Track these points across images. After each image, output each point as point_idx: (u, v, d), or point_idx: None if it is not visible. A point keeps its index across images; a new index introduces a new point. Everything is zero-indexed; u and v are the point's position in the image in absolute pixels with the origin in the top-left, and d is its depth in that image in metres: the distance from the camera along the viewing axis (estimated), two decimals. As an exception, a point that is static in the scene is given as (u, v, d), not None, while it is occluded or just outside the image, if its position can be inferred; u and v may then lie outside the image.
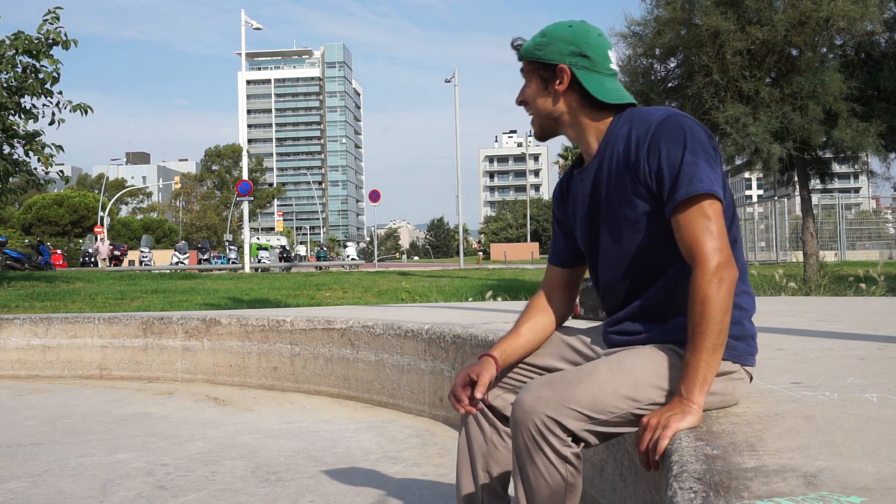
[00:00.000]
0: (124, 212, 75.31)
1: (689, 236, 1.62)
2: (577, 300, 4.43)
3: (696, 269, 1.60)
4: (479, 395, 1.77)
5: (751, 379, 1.80)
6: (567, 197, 1.92)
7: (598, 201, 1.79)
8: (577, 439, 1.62)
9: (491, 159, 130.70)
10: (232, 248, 33.85)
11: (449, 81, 36.16)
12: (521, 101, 1.86)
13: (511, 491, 1.76)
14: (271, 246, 37.78)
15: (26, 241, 38.59)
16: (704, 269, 1.58)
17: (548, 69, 1.79)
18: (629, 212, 1.72)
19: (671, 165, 1.64)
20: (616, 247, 1.78)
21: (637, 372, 1.65)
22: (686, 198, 1.62)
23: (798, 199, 10.84)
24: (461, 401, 1.80)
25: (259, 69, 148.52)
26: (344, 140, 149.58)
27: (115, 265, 32.50)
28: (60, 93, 11.68)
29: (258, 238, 43.15)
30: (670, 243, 1.68)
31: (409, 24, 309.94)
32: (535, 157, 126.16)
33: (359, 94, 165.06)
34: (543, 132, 1.86)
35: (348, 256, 37.03)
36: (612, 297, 1.84)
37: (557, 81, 1.78)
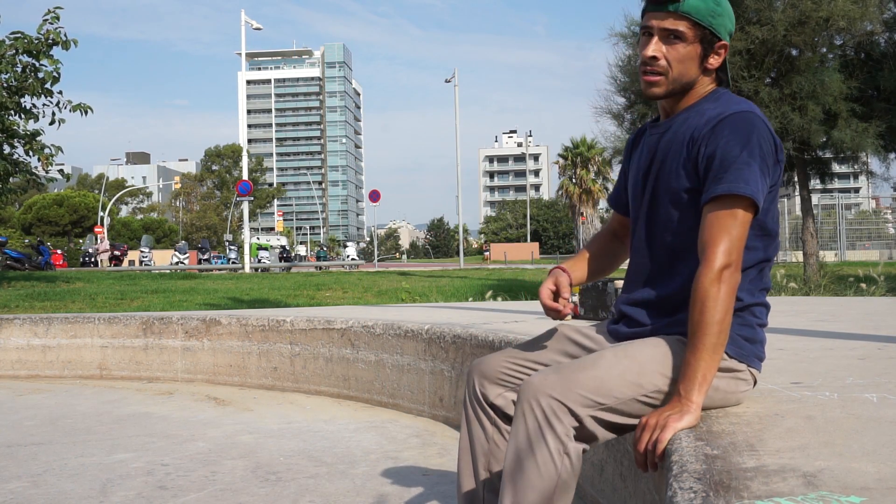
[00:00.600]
0: (124, 212, 75.33)
1: (708, 231, 1.63)
2: (577, 300, 4.44)
3: (701, 265, 1.62)
4: (567, 296, 1.86)
5: (755, 383, 1.80)
6: (636, 148, 1.93)
7: (653, 162, 1.81)
8: (583, 431, 1.60)
9: (491, 159, 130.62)
10: (232, 248, 33.86)
11: (449, 81, 36.17)
12: (654, 58, 1.73)
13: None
14: (271, 246, 37.80)
15: (26, 241, 38.60)
16: (709, 268, 1.60)
17: (712, 40, 1.73)
18: (673, 182, 1.74)
19: (724, 157, 1.64)
20: (651, 213, 1.81)
21: (642, 359, 1.66)
22: (726, 193, 1.62)
23: (798, 199, 10.84)
24: (558, 309, 1.84)
25: (259, 69, 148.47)
26: (344, 140, 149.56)
27: (115, 265, 32.50)
28: (60, 93, 11.68)
29: (258, 238, 43.17)
30: (696, 231, 1.69)
31: (409, 24, 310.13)
32: (535, 157, 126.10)
33: (359, 94, 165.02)
34: (663, 94, 1.77)
35: (348, 256, 37.04)
36: (633, 270, 1.87)
37: (716, 53, 1.74)
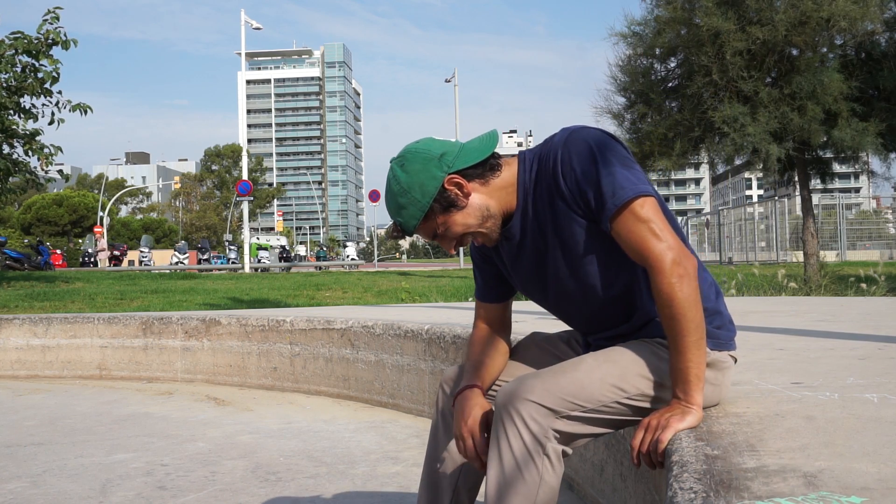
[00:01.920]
0: (124, 212, 75.38)
1: (634, 244, 1.58)
2: None
3: (652, 274, 1.57)
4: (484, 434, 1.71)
5: (735, 361, 1.80)
6: (495, 254, 1.84)
7: (536, 257, 1.74)
8: (565, 434, 1.58)
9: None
10: (232, 248, 33.87)
11: (449, 81, 36.16)
12: (458, 245, 1.72)
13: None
14: (271, 246, 37.81)
15: (26, 241, 38.63)
16: (661, 272, 1.55)
17: (442, 197, 1.64)
18: (580, 251, 1.68)
19: (590, 182, 1.60)
20: (577, 292, 1.74)
21: (624, 362, 1.64)
22: (614, 210, 1.58)
23: (798, 199, 10.84)
24: (480, 458, 1.70)
25: (259, 69, 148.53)
26: (344, 140, 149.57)
27: (114, 265, 32.51)
28: (60, 92, 11.69)
29: (258, 238, 43.18)
30: (626, 271, 1.68)
31: (410, 24, 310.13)
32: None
33: (359, 94, 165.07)
34: (500, 230, 1.72)
35: (348, 256, 37.07)
36: (585, 326, 1.83)
37: (458, 191, 1.65)
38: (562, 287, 1.75)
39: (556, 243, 1.70)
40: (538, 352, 1.91)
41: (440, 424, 1.87)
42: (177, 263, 31.59)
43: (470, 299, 9.44)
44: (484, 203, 1.67)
